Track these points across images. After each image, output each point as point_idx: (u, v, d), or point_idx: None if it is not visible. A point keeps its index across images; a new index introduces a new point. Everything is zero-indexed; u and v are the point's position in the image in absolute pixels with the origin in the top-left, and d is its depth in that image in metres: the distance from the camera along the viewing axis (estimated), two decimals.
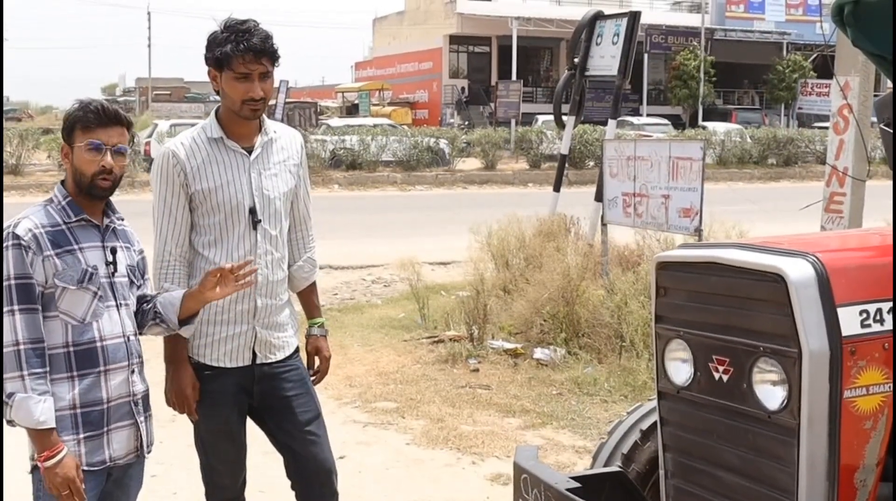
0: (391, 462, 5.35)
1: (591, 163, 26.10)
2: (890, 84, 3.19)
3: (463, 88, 47.45)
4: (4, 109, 59.14)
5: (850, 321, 2.44)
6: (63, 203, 2.88)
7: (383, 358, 7.44)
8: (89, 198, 2.89)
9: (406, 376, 6.94)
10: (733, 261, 2.63)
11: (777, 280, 2.47)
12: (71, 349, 2.80)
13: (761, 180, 28.93)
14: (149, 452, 3.04)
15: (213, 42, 3.14)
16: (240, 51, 3.09)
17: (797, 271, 2.45)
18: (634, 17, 9.95)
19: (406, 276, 9.16)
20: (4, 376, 2.69)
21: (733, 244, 2.79)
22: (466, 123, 38.81)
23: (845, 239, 3.50)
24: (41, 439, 2.73)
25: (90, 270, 2.83)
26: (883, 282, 2.48)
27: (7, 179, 22.30)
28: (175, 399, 3.23)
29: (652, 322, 2.95)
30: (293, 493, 3.47)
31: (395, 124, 31.64)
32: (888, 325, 2.47)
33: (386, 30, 54.45)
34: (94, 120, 2.84)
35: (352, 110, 44.96)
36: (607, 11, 10.93)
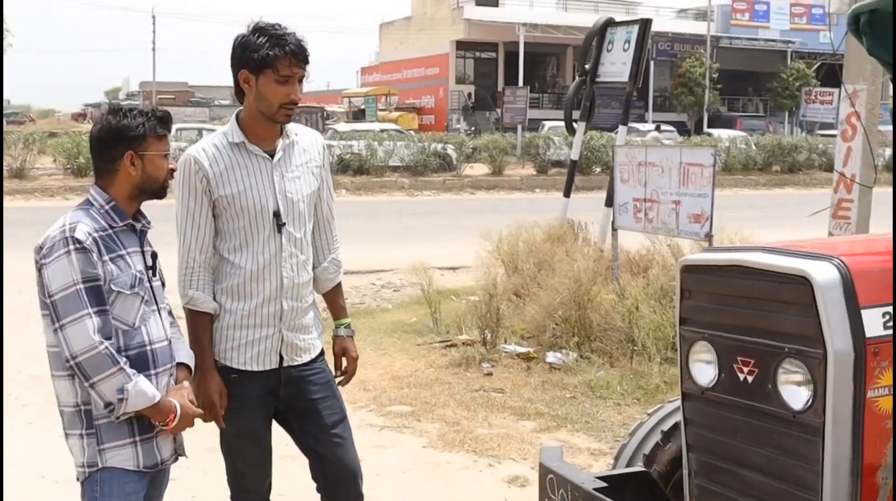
0: (408, 465, 5.38)
1: (598, 169, 26.16)
2: None
3: (469, 94, 47.53)
4: (6, 112, 59.38)
5: (873, 322, 2.49)
6: (107, 208, 2.87)
7: (397, 362, 7.48)
8: (143, 201, 2.93)
9: (420, 380, 6.98)
10: (758, 264, 2.68)
11: (802, 282, 2.52)
12: (123, 354, 2.79)
13: (766, 187, 28.99)
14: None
15: (248, 45, 3.14)
16: (286, 53, 3.12)
17: (822, 274, 2.50)
18: (646, 24, 10.02)
19: (416, 281, 9.18)
20: (103, 376, 2.71)
21: (758, 248, 2.83)
22: (473, 128, 38.84)
23: (869, 243, 3.54)
24: (157, 411, 2.82)
25: (138, 275, 2.86)
26: None
27: (12, 184, 22.23)
28: (202, 407, 3.18)
29: (676, 325, 2.99)
30: (312, 496, 3.47)
31: (402, 129, 31.69)
32: None
33: (393, 35, 54.56)
34: (165, 128, 2.94)
35: (358, 115, 44.99)
36: (616, 18, 11.00)
